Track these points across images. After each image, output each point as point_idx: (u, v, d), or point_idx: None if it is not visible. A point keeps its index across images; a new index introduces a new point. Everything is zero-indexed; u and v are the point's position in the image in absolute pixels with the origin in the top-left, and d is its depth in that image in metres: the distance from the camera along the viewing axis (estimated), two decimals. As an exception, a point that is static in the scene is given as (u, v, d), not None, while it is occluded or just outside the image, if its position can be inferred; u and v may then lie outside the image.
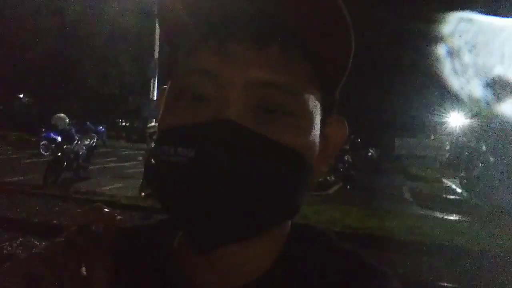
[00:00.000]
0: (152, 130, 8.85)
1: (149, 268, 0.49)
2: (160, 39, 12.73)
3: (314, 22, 0.41)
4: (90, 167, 11.18)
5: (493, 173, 11.46)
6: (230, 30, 0.42)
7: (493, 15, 15.80)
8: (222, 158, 0.39)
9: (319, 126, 0.46)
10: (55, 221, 6.27)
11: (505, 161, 11.56)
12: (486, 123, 21.19)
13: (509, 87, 15.47)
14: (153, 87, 12.67)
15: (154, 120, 11.27)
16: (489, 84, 17.00)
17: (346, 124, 0.51)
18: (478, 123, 23.47)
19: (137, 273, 0.49)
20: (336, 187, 12.38)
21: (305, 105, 0.43)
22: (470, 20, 16.37)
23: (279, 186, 0.42)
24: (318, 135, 0.46)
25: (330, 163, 0.51)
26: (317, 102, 0.45)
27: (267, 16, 0.41)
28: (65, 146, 9.78)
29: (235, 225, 0.41)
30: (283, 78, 0.42)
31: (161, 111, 0.47)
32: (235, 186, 0.40)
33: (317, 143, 0.46)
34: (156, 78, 12.67)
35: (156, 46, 12.93)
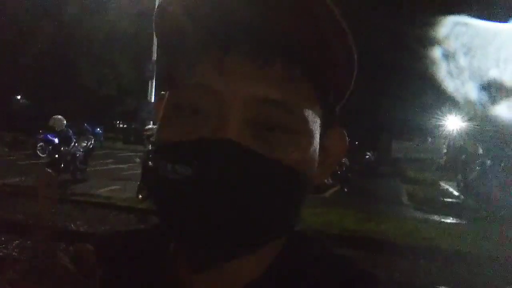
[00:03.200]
0: (150, 132, 8.83)
1: (143, 273, 0.49)
2: (157, 48, 12.73)
3: (318, 40, 0.40)
4: (87, 169, 11.15)
5: (490, 176, 11.49)
6: (232, 44, 0.41)
7: (488, 19, 15.90)
8: (219, 177, 0.39)
9: (318, 141, 0.46)
10: (50, 223, 6.25)
11: (502, 164, 11.59)
12: (483, 126, 21.25)
13: (504, 90, 15.54)
14: (151, 89, 12.67)
15: (151, 122, 11.27)
16: (485, 87, 17.07)
17: (346, 136, 0.50)
18: (474, 126, 23.54)
19: (131, 277, 0.49)
20: (333, 190, 12.38)
21: (306, 123, 0.43)
22: (465, 24, 16.45)
23: (277, 204, 0.41)
24: (317, 150, 0.46)
25: (328, 174, 0.51)
26: (317, 119, 0.45)
27: (270, 32, 0.40)
28: (62, 148, 9.77)
29: (232, 244, 0.41)
30: (284, 96, 0.41)
31: (159, 121, 0.46)
32: (232, 204, 0.39)
33: (316, 158, 0.46)
34: (154, 79, 12.66)
35: (154, 47, 12.93)
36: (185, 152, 0.41)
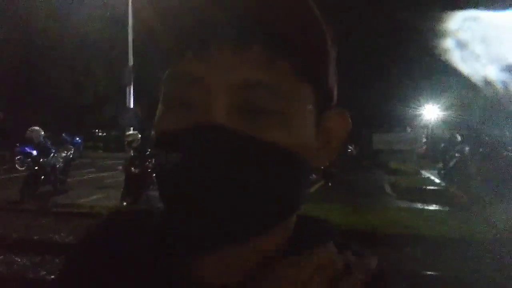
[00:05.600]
0: (130, 139, 8.72)
1: (148, 257, 0.50)
2: (135, 46, 12.55)
3: (287, 17, 0.41)
4: (68, 180, 10.97)
5: (469, 162, 11.72)
6: (210, 33, 0.42)
7: (474, 8, 16.19)
8: (211, 162, 0.40)
9: (313, 121, 0.46)
10: (35, 237, 6.14)
11: (480, 151, 11.84)
12: (460, 114, 21.70)
13: (482, 79, 15.89)
14: (129, 95, 12.50)
15: (132, 128, 11.15)
16: (462, 76, 17.41)
17: (348, 116, 0.50)
18: (452, 114, 24.03)
19: (135, 261, 0.50)
20: (317, 185, 12.46)
21: (293, 102, 0.43)
22: (451, 12, 16.69)
23: (271, 185, 0.42)
24: (312, 130, 0.46)
25: (334, 157, 0.51)
26: (307, 97, 0.45)
27: (245, 16, 0.41)
28: (41, 160, 9.57)
29: (229, 229, 0.41)
30: (266, 77, 0.42)
31: (156, 114, 0.47)
32: (226, 189, 0.40)
33: (312, 139, 0.46)
34: (132, 85, 12.51)
35: (130, 52, 12.75)
36: (177, 141, 0.42)
